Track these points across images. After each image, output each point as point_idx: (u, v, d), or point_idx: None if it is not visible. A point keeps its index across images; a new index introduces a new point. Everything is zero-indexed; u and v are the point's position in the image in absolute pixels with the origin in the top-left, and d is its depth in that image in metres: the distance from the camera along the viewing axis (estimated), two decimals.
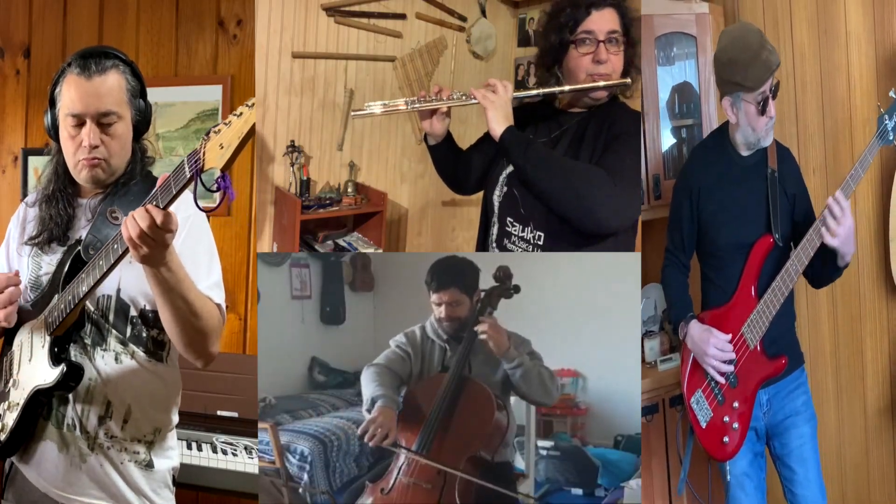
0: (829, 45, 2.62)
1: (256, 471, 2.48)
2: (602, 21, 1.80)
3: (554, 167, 1.74)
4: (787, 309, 2.16)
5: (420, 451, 1.83)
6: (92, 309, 1.74)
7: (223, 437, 2.69)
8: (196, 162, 1.41)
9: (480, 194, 2.10)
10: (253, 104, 1.39)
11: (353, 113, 2.01)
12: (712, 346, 2.09)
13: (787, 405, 2.17)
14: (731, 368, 2.09)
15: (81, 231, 1.78)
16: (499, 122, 1.79)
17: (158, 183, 1.48)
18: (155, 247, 1.49)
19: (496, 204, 1.96)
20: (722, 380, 2.12)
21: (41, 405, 1.74)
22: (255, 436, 2.61)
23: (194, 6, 3.27)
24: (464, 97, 1.88)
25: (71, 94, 1.71)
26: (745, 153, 2.15)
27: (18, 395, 1.74)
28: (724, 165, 2.17)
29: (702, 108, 2.74)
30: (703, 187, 2.19)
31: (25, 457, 1.77)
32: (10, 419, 1.75)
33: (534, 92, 1.90)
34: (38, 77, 3.49)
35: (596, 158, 1.79)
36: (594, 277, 2.80)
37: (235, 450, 2.63)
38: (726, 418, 2.13)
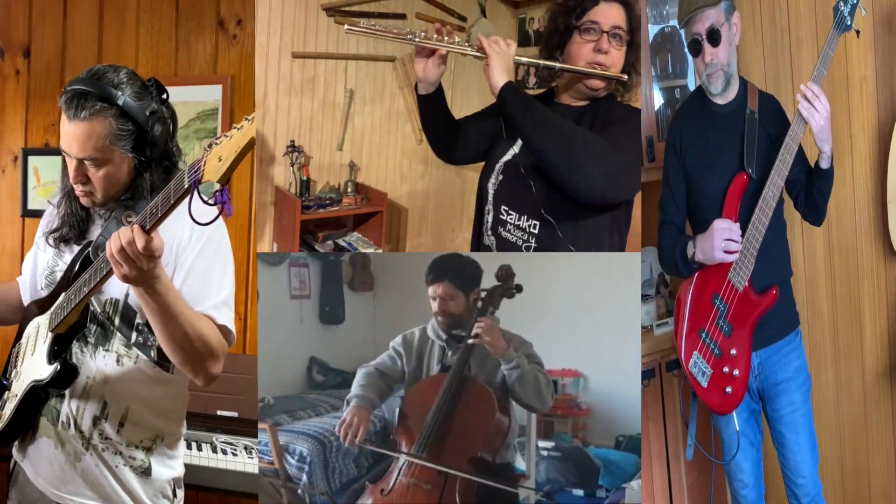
0: (827, 30, 2.58)
1: (256, 471, 2.48)
2: (609, 13, 1.84)
3: (554, 128, 1.73)
4: (779, 261, 2.15)
5: (420, 452, 1.82)
6: (98, 311, 1.73)
7: (223, 437, 2.69)
8: (196, 172, 1.38)
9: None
10: (253, 118, 1.37)
11: (346, 27, 1.86)
12: (717, 229, 2.03)
13: (778, 371, 2.16)
14: (738, 246, 2.03)
15: (96, 232, 1.77)
16: (500, 73, 1.76)
17: (161, 196, 1.46)
18: (135, 268, 1.47)
19: (491, 192, 1.95)
20: (738, 281, 2.06)
21: (39, 400, 1.73)
22: (255, 436, 2.61)
23: (194, 6, 3.26)
24: (467, 45, 1.83)
25: (61, 127, 1.68)
26: (720, 101, 2.14)
27: (18, 387, 1.75)
28: (702, 117, 2.17)
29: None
30: (686, 142, 2.18)
31: (25, 453, 1.77)
32: (8, 409, 1.76)
33: (534, 61, 1.88)
34: (38, 77, 3.49)
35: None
36: (594, 277, 2.79)
37: (235, 450, 2.63)
38: (726, 368, 2.11)
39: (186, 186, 1.39)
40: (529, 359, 1.92)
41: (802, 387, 2.18)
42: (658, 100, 2.64)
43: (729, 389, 2.11)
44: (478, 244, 2.04)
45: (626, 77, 1.88)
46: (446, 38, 1.85)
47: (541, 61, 1.88)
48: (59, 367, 1.67)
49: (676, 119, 2.28)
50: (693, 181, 2.18)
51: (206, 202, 1.37)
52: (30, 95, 3.49)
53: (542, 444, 2.62)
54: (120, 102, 1.65)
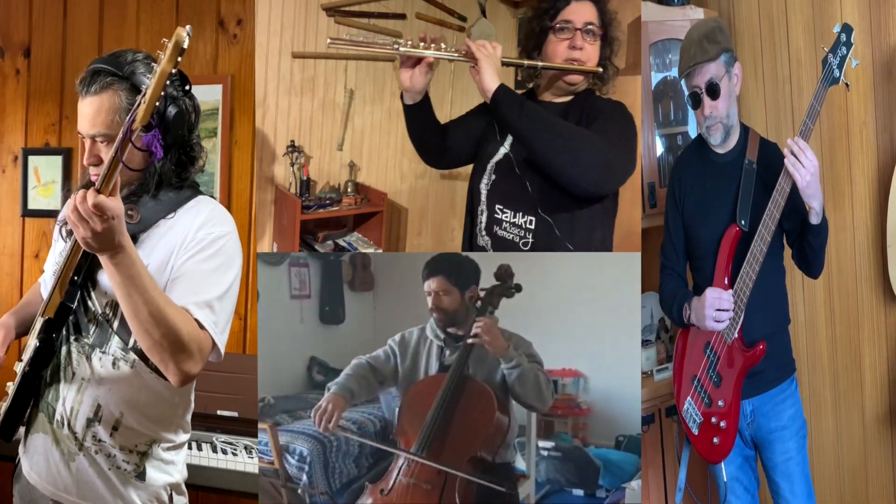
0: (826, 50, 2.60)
1: (256, 470, 2.48)
2: (581, 11, 1.91)
3: (549, 126, 1.77)
4: (775, 309, 2.15)
5: (420, 452, 1.82)
6: (98, 311, 1.70)
7: (223, 437, 2.69)
8: (132, 121, 1.42)
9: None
10: (174, 41, 1.36)
11: (329, 40, 1.86)
12: (709, 298, 2.05)
13: (772, 419, 2.14)
14: (730, 315, 2.04)
15: None
16: (492, 76, 1.77)
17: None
18: (88, 228, 1.44)
19: (484, 192, 1.97)
20: (727, 333, 2.08)
21: (33, 388, 1.71)
22: (255, 435, 2.61)
23: (194, 6, 3.26)
24: (454, 50, 1.84)
25: (78, 108, 1.67)
26: (720, 151, 2.15)
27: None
28: (703, 164, 2.18)
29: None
30: (685, 189, 2.20)
31: (25, 450, 1.76)
32: (5, 402, 1.75)
33: (519, 61, 1.91)
34: (38, 77, 3.49)
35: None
36: (595, 277, 2.79)
37: (235, 449, 2.63)
38: (714, 419, 2.12)
39: (121, 136, 1.42)
40: (529, 358, 1.92)
41: (797, 435, 2.16)
42: (660, 147, 2.67)
43: (716, 440, 2.12)
44: (470, 246, 2.04)
45: (601, 70, 1.92)
46: (432, 45, 1.85)
47: (525, 61, 1.91)
48: (38, 345, 1.65)
49: (677, 165, 2.30)
50: (690, 228, 2.20)
51: (139, 149, 1.42)
52: (30, 95, 3.49)
53: (542, 444, 2.62)
54: (130, 77, 1.64)
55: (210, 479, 2.56)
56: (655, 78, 2.67)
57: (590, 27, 1.90)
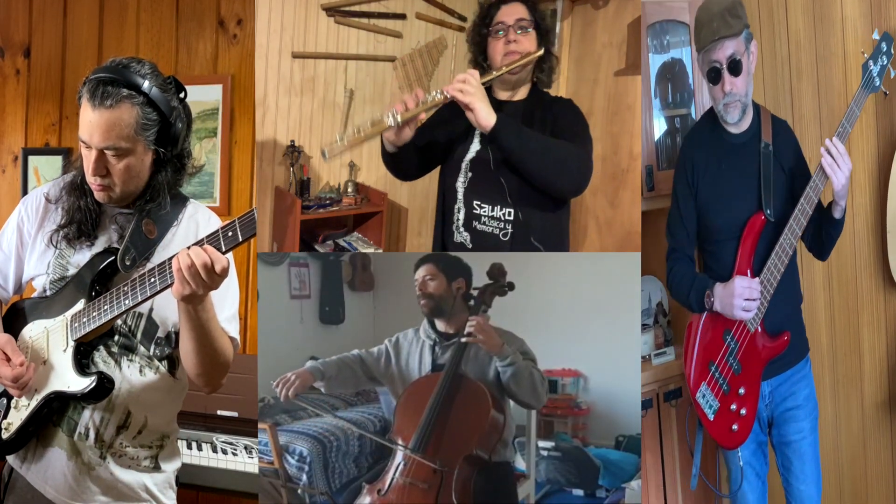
0: (825, 31, 2.57)
1: (256, 470, 2.48)
2: (511, 12, 2.07)
3: (542, 147, 1.90)
4: (790, 290, 2.13)
5: (416, 450, 1.82)
6: (120, 322, 1.71)
7: (223, 437, 2.68)
8: None
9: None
10: None
11: (325, 150, 1.92)
12: (738, 287, 2.02)
13: (788, 398, 2.15)
14: (757, 304, 2.03)
15: (112, 235, 1.74)
16: (487, 113, 1.85)
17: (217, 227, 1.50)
18: (205, 289, 1.49)
19: (461, 190, 2.06)
20: (751, 323, 2.07)
21: (53, 410, 1.70)
22: (255, 435, 2.61)
23: (194, 6, 3.27)
24: (438, 94, 1.89)
25: (82, 117, 1.64)
26: (734, 130, 2.12)
27: (28, 396, 1.71)
28: (716, 145, 2.14)
29: (695, 97, 2.68)
30: (697, 171, 2.16)
31: (32, 463, 1.74)
32: (17, 419, 1.72)
33: (493, 76, 2.00)
34: (38, 77, 3.49)
35: (547, 134, 1.98)
36: (594, 277, 2.80)
37: (235, 449, 2.63)
38: (733, 406, 2.11)
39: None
40: (523, 355, 1.92)
41: (811, 415, 2.16)
42: (658, 130, 2.64)
43: (735, 427, 2.11)
44: (443, 245, 2.12)
45: (542, 52, 2.06)
46: (420, 103, 1.90)
47: (496, 73, 2.00)
48: (95, 383, 1.64)
49: (687, 144, 2.25)
50: (705, 211, 2.16)
51: None
52: (30, 95, 3.49)
53: (542, 444, 2.62)
54: (147, 91, 1.63)
55: (210, 479, 2.56)
56: (654, 60, 2.63)
57: (521, 23, 2.05)
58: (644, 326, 2.70)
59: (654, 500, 2.55)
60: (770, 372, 2.13)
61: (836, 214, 2.02)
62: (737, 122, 2.09)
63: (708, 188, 2.14)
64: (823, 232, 2.08)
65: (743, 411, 2.11)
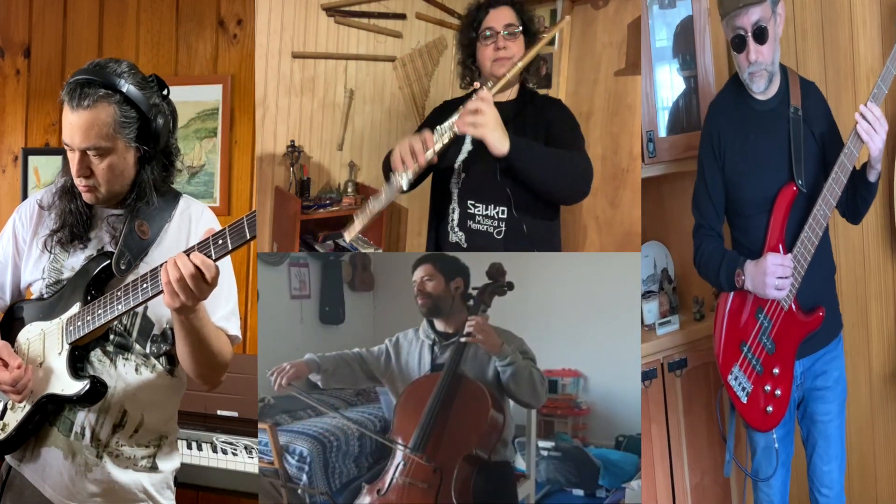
0: (832, 22, 2.51)
1: (256, 470, 2.48)
2: (499, 17, 2.08)
3: (552, 162, 1.91)
4: (824, 260, 2.06)
5: (416, 450, 1.82)
6: (115, 322, 1.71)
7: (223, 437, 2.68)
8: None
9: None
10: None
11: (345, 234, 1.91)
12: (770, 265, 1.95)
13: (818, 378, 2.10)
14: (790, 281, 1.96)
15: (104, 237, 1.75)
16: (501, 140, 1.82)
17: (204, 235, 1.49)
18: (194, 299, 1.49)
19: (455, 190, 2.09)
20: (784, 300, 2.00)
21: (48, 411, 1.71)
22: (255, 435, 2.61)
23: (194, 6, 3.26)
24: (450, 132, 1.88)
25: (63, 120, 1.65)
26: (761, 97, 2.04)
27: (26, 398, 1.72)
28: (743, 113, 2.05)
29: (697, 58, 2.56)
30: (725, 140, 2.07)
31: (30, 462, 1.74)
32: (13, 420, 1.73)
33: (501, 83, 1.98)
34: (38, 77, 3.49)
35: (541, 140, 2.00)
36: (594, 277, 2.80)
37: (235, 449, 2.63)
38: (767, 387, 2.05)
39: (250, 237, 1.45)
40: (523, 355, 1.92)
41: (839, 397, 2.12)
42: (662, 94, 2.56)
43: (770, 409, 2.06)
44: (437, 245, 2.15)
45: (534, 54, 2.03)
46: (430, 145, 1.87)
47: (502, 82, 1.97)
48: (88, 386, 1.66)
49: (712, 113, 2.14)
50: (733, 183, 2.07)
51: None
52: (30, 95, 3.49)
53: (542, 444, 2.62)
54: (123, 89, 1.63)
55: (210, 479, 2.56)
56: (660, 14, 2.53)
57: (509, 28, 2.05)
58: (649, 293, 2.63)
59: (659, 471, 2.52)
60: (803, 351, 2.06)
61: (872, 178, 1.96)
62: (763, 91, 2.01)
63: (735, 159, 2.06)
64: (858, 196, 2.01)
65: (778, 392, 2.04)
